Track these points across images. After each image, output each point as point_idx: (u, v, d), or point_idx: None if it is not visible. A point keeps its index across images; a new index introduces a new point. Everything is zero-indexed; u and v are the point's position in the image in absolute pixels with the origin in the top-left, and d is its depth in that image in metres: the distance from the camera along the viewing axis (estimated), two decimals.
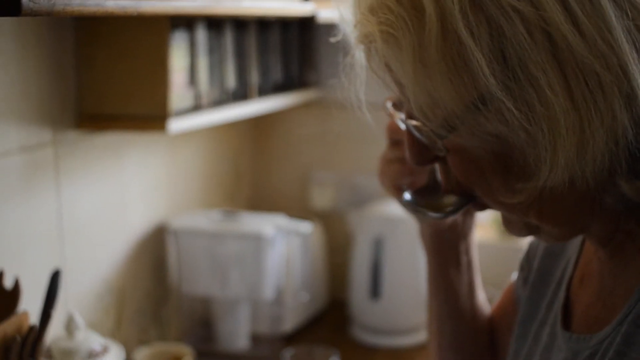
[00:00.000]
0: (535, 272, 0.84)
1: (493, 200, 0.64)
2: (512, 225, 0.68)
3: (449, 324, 0.95)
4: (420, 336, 1.81)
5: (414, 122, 0.63)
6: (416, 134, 0.64)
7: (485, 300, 0.97)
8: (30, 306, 1.06)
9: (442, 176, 0.68)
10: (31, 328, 1.02)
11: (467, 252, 0.92)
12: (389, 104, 0.70)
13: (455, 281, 0.93)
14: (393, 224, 1.81)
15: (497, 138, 0.59)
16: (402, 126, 0.67)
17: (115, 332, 1.56)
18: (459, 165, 0.63)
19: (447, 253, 0.92)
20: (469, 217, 0.90)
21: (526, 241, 0.90)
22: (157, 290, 1.70)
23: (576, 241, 0.79)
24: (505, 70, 0.56)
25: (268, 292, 1.66)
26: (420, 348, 1.79)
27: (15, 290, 1.06)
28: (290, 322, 1.80)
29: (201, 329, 1.77)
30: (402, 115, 0.67)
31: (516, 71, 0.55)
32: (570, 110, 0.56)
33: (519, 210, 0.64)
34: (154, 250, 1.68)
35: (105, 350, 1.27)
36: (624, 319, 0.64)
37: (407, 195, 0.75)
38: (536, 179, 0.59)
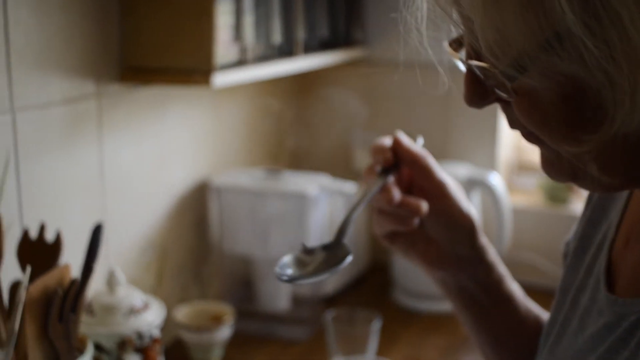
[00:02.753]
0: (577, 241, 0.80)
1: (558, 147, 0.60)
2: (556, 169, 0.63)
3: (495, 353, 0.95)
4: None
5: (479, 63, 0.58)
6: (480, 75, 0.59)
7: (530, 303, 0.94)
8: (71, 260, 1.04)
9: (506, 118, 0.63)
10: (73, 281, 1.00)
11: (491, 275, 0.92)
12: (446, 43, 0.65)
13: (495, 317, 0.92)
14: None
15: (571, 79, 0.54)
16: (462, 67, 0.63)
17: (156, 289, 1.55)
18: (526, 110, 0.58)
19: (476, 292, 0.92)
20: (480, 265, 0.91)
21: (571, 207, 0.85)
22: (199, 248, 1.68)
23: (619, 205, 0.75)
24: (585, 5, 0.51)
25: None
26: None
27: (57, 244, 1.05)
28: (331, 284, 1.77)
29: (242, 289, 1.75)
30: (462, 55, 0.62)
31: (597, 6, 0.51)
32: None
33: (581, 159, 0.60)
34: (196, 207, 1.66)
35: (146, 306, 1.26)
36: None
37: None
38: (609, 125, 0.54)
